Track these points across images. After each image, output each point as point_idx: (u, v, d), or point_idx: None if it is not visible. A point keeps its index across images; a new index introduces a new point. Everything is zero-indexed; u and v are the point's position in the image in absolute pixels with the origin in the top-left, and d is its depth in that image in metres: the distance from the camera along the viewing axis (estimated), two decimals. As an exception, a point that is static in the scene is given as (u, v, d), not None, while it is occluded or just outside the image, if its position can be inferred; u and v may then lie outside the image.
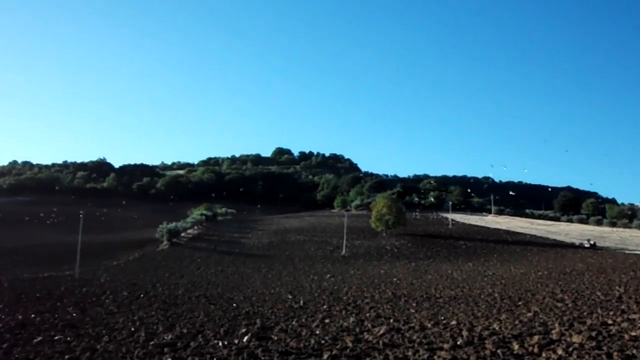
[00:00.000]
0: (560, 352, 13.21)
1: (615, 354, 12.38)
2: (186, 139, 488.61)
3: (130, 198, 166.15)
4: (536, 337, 15.14)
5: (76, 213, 69.45)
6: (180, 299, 35.46)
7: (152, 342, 18.64)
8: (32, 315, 26.78)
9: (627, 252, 70.02)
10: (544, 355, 13.13)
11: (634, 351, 12.75)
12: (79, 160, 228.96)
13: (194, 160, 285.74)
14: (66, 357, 16.21)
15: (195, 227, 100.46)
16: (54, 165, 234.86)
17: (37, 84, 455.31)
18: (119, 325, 23.66)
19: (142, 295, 36.87)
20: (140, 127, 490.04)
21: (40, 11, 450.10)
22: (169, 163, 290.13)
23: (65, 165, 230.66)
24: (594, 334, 15.17)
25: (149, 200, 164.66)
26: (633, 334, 14.91)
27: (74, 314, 28.06)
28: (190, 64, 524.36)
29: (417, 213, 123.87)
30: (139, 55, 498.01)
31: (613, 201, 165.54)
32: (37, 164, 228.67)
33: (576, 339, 14.66)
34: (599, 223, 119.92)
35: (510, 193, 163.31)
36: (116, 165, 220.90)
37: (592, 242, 76.71)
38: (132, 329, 22.46)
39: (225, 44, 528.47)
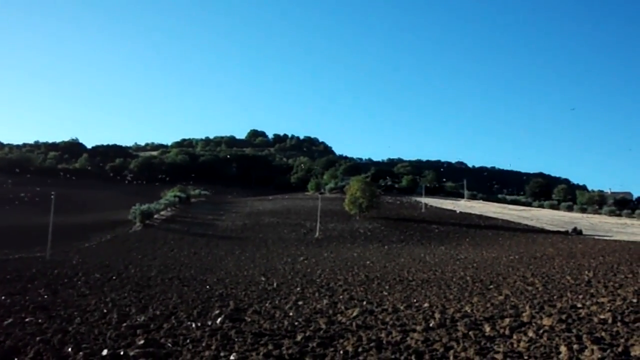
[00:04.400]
0: (530, 334, 13.37)
1: (584, 336, 12.56)
2: (160, 120, 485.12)
3: (102, 179, 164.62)
4: (507, 320, 15.31)
5: (47, 194, 68.82)
6: (153, 280, 35.30)
7: (124, 324, 18.55)
8: (2, 297, 26.43)
9: (596, 237, 71.06)
10: (514, 337, 13.29)
11: (603, 333, 12.95)
12: (50, 141, 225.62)
13: (168, 141, 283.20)
14: (37, 339, 16.06)
15: (169, 209, 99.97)
16: (25, 145, 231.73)
17: (7, 62, 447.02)
18: (91, 307, 23.49)
19: (114, 277, 36.62)
20: (113, 108, 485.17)
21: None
22: (142, 144, 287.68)
23: (37, 145, 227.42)
24: (563, 316, 15.36)
25: (122, 181, 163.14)
26: (602, 317, 15.14)
27: (45, 296, 27.79)
28: (164, 44, 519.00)
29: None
30: (112, 35, 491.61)
31: (584, 188, 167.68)
32: (8, 144, 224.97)
33: (546, 321, 14.84)
34: (569, 209, 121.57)
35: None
36: (89, 145, 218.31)
37: (577, 229, 77.74)
38: (105, 311, 22.32)
39: (199, 25, 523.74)
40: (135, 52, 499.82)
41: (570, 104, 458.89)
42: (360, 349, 12.78)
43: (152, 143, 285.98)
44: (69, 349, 14.55)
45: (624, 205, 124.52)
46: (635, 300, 17.99)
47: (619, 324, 14.05)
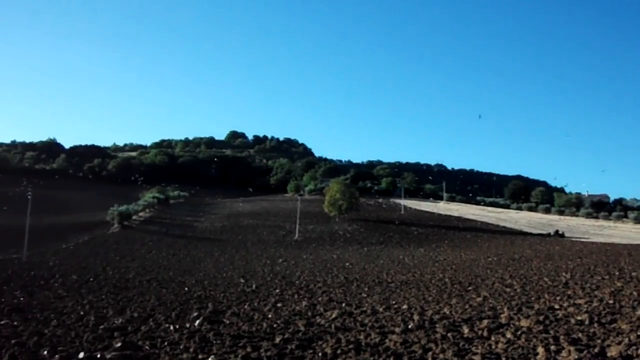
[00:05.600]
0: (508, 335, 13.46)
1: (561, 337, 12.66)
2: (139, 121, 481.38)
3: (80, 180, 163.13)
4: (485, 321, 15.39)
5: (24, 194, 68.06)
6: (131, 282, 35.12)
7: (101, 326, 18.45)
8: (-22, 299, 26.21)
9: (573, 239, 71.71)
10: (493, 338, 13.36)
11: (580, 334, 13.07)
12: (27, 140, 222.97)
13: (147, 142, 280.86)
14: (13, 341, 15.92)
15: (147, 210, 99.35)
16: (1, 145, 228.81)
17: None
18: (67, 310, 23.33)
19: (92, 279, 36.39)
20: (91, 108, 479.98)
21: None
22: (121, 144, 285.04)
23: (14, 145, 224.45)
24: (541, 318, 15.49)
25: (100, 182, 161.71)
26: (579, 318, 15.28)
27: (21, 298, 27.58)
28: (144, 44, 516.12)
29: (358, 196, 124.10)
30: (91, 35, 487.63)
31: (561, 190, 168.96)
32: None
33: (524, 323, 14.96)
34: (547, 211, 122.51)
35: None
36: (66, 145, 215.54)
37: (560, 232, 78.29)
38: (82, 313, 22.18)
39: (180, 26, 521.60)
40: (113, 52, 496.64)
41: (550, 108, 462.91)
42: (339, 351, 12.78)
43: (131, 143, 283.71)
44: (45, 352, 14.43)
45: (601, 207, 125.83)
46: (611, 302, 18.17)
47: (595, 325, 14.19)
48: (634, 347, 11.06)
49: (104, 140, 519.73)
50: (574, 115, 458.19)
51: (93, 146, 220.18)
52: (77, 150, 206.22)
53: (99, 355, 13.62)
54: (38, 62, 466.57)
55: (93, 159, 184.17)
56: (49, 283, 34.57)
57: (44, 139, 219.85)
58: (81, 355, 13.75)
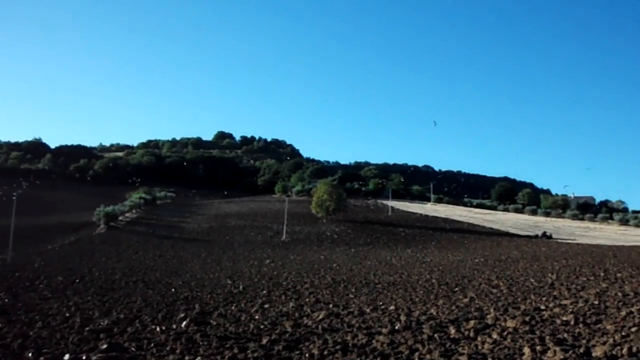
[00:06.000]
0: (495, 336, 13.52)
1: (547, 337, 12.73)
2: (125, 121, 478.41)
3: (66, 180, 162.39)
4: (472, 322, 15.45)
5: (9, 195, 67.67)
6: (117, 283, 34.95)
7: (87, 328, 18.32)
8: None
9: (559, 240, 72.19)
10: (479, 339, 13.42)
11: (565, 335, 13.14)
12: (12, 140, 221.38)
13: (133, 142, 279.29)
14: (-3, 343, 15.81)
15: (134, 211, 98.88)
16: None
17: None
18: (53, 311, 23.18)
19: (77, 280, 36.18)
20: (77, 107, 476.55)
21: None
22: (107, 145, 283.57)
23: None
24: (527, 318, 15.57)
25: (86, 183, 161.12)
26: (564, 318, 15.37)
27: (6, 300, 27.35)
28: (130, 44, 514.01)
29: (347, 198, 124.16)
30: (76, 34, 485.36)
31: (548, 192, 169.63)
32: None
33: (510, 323, 15.03)
34: (533, 213, 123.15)
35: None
36: (52, 145, 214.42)
37: (547, 234, 78.62)
38: (67, 315, 22.03)
39: (167, 26, 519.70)
40: (100, 52, 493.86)
41: (537, 110, 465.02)
42: (326, 352, 12.78)
43: (118, 144, 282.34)
44: (30, 354, 14.31)
45: (587, 209, 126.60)
46: (596, 302, 18.29)
47: (581, 325, 14.28)
48: (618, 347, 11.14)
49: (90, 140, 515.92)
50: (561, 117, 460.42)
51: (79, 146, 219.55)
52: (63, 150, 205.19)
53: (84, 357, 13.53)
54: (23, 61, 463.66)
55: (79, 159, 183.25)
56: (34, 284, 34.35)
57: (30, 138, 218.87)
58: (66, 357, 13.65)
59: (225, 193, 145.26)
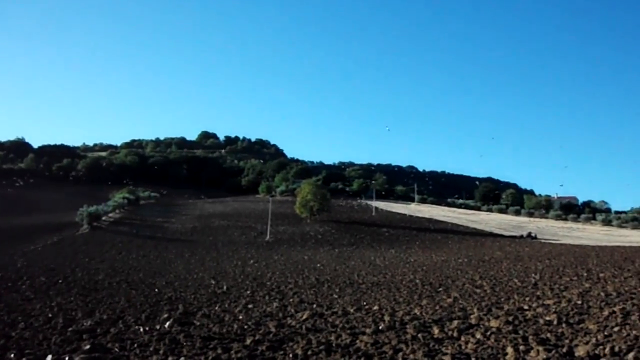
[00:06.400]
0: (478, 335, 13.58)
1: (530, 337, 12.81)
2: (109, 120, 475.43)
3: (49, 180, 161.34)
4: (456, 322, 15.51)
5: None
6: (101, 284, 34.75)
7: (70, 329, 18.23)
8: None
9: (543, 241, 72.67)
10: (463, 339, 13.47)
11: (548, 334, 13.23)
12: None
13: (117, 142, 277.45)
14: (-22, 344, 15.69)
15: (117, 211, 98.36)
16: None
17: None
18: (35, 312, 23.03)
19: (60, 281, 35.92)
20: (60, 107, 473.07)
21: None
22: (91, 144, 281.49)
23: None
24: (510, 318, 15.65)
25: (69, 183, 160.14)
26: (547, 318, 15.46)
27: (-12, 300, 27.16)
28: (112, 43, 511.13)
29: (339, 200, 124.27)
30: (59, 33, 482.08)
31: (531, 192, 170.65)
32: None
33: (494, 323, 15.10)
34: (517, 213, 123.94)
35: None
36: (35, 145, 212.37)
37: (532, 234, 78.98)
38: (50, 315, 21.90)
39: (150, 25, 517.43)
40: (83, 51, 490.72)
41: (521, 111, 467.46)
42: (309, 352, 12.79)
43: (101, 143, 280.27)
44: (12, 355, 14.24)
45: (570, 209, 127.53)
46: (579, 302, 18.41)
47: (563, 325, 14.37)
48: (601, 347, 11.23)
49: (73, 140, 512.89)
50: (545, 118, 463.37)
51: (62, 146, 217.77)
52: (45, 150, 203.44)
53: (67, 358, 13.47)
54: (4, 60, 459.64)
55: (62, 158, 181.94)
56: (16, 285, 34.06)
57: (12, 138, 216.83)
58: (49, 358, 13.59)
59: (202, 197, 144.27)
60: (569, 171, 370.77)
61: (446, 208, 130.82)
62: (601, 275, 28.51)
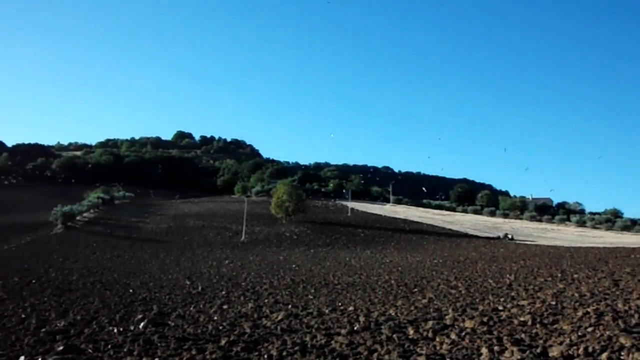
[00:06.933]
0: (453, 336, 13.65)
1: (504, 338, 12.90)
2: (84, 119, 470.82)
3: (23, 179, 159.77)
4: (430, 323, 15.58)
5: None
6: (75, 284, 34.49)
7: (43, 330, 18.08)
8: None
9: (517, 242, 73.24)
10: (437, 339, 13.54)
11: (522, 335, 13.33)
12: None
13: (92, 141, 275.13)
14: (-50, 345, 15.50)
15: (92, 211, 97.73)
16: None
17: None
18: (8, 312, 22.80)
19: (34, 281, 35.62)
20: (35, 105, 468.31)
21: None
22: (65, 143, 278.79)
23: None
24: (485, 319, 15.75)
25: (44, 182, 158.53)
26: (522, 319, 15.58)
27: (-40, 301, 26.84)
28: (89, 42, 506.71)
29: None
30: (35, 31, 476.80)
31: (506, 193, 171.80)
32: None
33: (468, 324, 15.19)
34: (492, 214, 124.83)
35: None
36: (9, 144, 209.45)
37: (509, 236, 79.47)
38: (23, 316, 21.71)
39: (126, 25, 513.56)
40: (58, 49, 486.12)
41: (496, 112, 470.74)
42: (284, 353, 12.78)
43: (76, 143, 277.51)
44: (-17, 356, 14.08)
45: (545, 210, 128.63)
46: (554, 303, 18.57)
47: (538, 325, 14.48)
48: (575, 347, 11.33)
49: (47, 139, 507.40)
50: (520, 119, 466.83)
51: (36, 145, 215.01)
52: (19, 148, 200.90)
53: (40, 359, 13.35)
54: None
55: (36, 158, 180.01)
56: (-12, 285, 33.74)
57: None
58: (22, 358, 13.48)
59: (178, 197, 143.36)
60: (543, 172, 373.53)
61: (421, 209, 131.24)
62: (575, 276, 28.79)
